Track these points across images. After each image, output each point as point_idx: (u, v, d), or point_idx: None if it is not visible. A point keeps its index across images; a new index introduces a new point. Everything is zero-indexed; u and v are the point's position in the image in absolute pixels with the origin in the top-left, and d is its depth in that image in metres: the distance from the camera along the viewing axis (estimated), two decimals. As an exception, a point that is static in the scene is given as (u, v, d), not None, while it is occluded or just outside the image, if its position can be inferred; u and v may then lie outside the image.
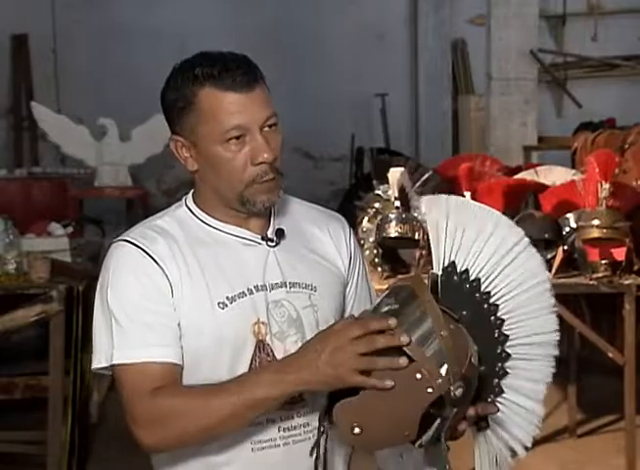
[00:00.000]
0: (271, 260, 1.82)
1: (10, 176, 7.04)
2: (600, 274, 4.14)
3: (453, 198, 1.80)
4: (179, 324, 1.75)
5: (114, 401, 4.41)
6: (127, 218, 7.40)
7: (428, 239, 1.80)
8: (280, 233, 1.85)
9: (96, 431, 4.84)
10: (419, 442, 1.65)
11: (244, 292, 1.77)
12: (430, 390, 1.59)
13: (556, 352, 1.77)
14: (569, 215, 4.26)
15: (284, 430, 1.78)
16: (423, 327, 1.62)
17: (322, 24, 9.32)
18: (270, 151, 1.75)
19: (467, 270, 1.75)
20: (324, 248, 1.91)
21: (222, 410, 1.67)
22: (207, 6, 9.16)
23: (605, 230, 4.12)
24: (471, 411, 1.67)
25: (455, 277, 1.75)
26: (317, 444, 1.71)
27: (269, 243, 1.83)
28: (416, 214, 4.06)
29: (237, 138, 1.74)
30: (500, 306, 1.74)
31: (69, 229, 4.97)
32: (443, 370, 1.60)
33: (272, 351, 1.77)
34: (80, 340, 4.16)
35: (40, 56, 8.98)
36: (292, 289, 1.81)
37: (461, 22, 9.42)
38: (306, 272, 1.84)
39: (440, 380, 1.60)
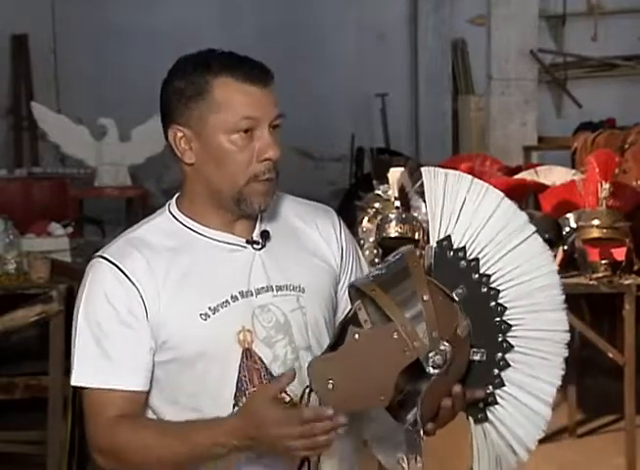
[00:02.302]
0: (256, 264, 1.77)
1: (10, 176, 7.02)
2: (600, 274, 4.13)
3: (453, 172, 1.73)
4: (160, 340, 1.72)
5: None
6: (127, 218, 7.37)
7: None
8: (265, 235, 1.80)
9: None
10: (406, 423, 1.61)
11: (227, 300, 1.73)
12: (406, 351, 1.56)
13: (566, 353, 1.69)
14: (569, 215, 4.26)
15: None
16: (405, 289, 1.59)
17: (322, 24, 9.31)
18: (277, 149, 1.73)
19: (464, 247, 1.68)
20: (313, 244, 1.85)
21: (176, 455, 1.67)
22: (207, 6, 9.15)
23: (605, 230, 4.12)
24: (457, 388, 1.63)
25: (450, 252, 1.68)
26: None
27: (254, 246, 1.79)
28: (416, 214, 4.06)
29: (245, 131, 1.71)
30: (502, 293, 1.67)
31: (69, 229, 4.96)
32: (421, 333, 1.56)
33: (260, 358, 1.74)
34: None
35: (40, 56, 8.97)
36: (278, 292, 1.77)
37: (461, 22, 9.40)
38: (294, 273, 1.79)
39: (417, 342, 1.56)
